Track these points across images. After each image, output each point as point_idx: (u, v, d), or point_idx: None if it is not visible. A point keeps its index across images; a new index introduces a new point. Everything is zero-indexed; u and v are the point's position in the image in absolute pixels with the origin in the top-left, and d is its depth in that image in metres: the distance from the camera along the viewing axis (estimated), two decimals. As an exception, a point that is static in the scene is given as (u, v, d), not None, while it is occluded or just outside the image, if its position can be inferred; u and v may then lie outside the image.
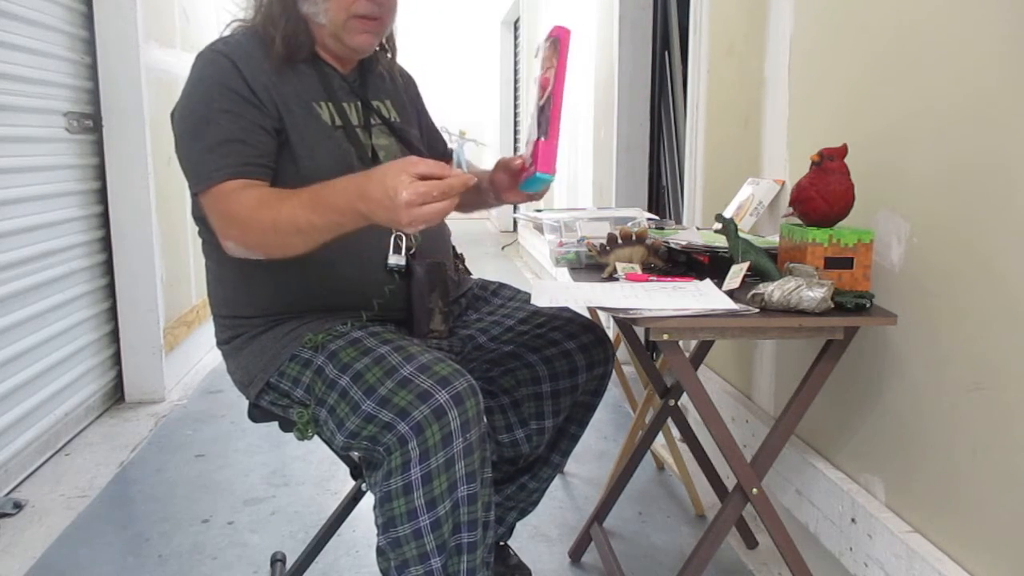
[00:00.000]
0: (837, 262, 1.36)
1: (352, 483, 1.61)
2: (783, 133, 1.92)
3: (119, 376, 3.04)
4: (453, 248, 1.60)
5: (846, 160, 1.41)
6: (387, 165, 1.12)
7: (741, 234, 1.49)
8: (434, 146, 1.62)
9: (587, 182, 4.32)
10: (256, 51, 1.33)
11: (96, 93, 2.87)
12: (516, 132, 8.62)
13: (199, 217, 1.38)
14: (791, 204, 1.45)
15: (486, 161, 1.65)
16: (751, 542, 1.95)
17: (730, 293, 1.35)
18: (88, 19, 2.83)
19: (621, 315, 1.25)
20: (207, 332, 3.74)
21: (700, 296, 1.33)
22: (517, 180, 1.31)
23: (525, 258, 6.68)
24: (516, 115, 8.70)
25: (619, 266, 1.52)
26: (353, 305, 1.38)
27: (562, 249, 1.70)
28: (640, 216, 1.94)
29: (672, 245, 1.62)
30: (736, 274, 1.40)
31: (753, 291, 1.30)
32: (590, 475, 2.40)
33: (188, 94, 1.31)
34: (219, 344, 1.46)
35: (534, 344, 1.54)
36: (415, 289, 1.41)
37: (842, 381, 1.62)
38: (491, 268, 6.23)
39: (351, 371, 1.26)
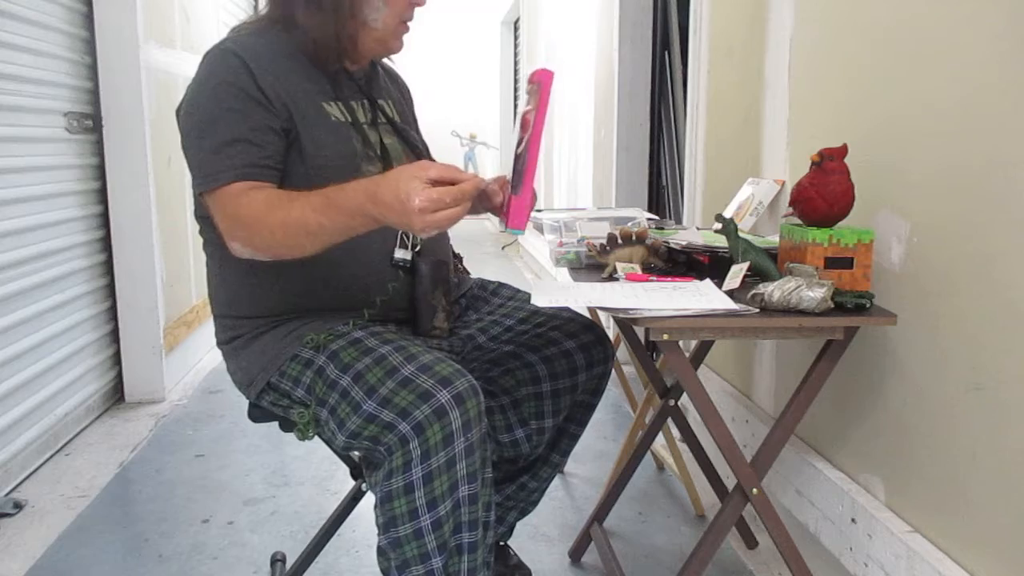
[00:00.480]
0: (837, 262, 1.36)
1: (352, 483, 1.61)
2: (783, 133, 1.92)
3: (119, 376, 3.04)
4: (451, 249, 1.61)
5: (846, 160, 1.41)
6: (399, 169, 1.13)
7: (741, 234, 1.49)
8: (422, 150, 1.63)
9: (587, 182, 4.32)
10: (267, 48, 1.32)
11: (96, 93, 2.87)
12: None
13: (202, 216, 1.38)
14: (791, 204, 1.45)
15: (489, 166, 1.66)
16: (751, 542, 1.95)
17: (730, 293, 1.35)
18: (88, 19, 2.83)
19: (621, 315, 1.25)
20: (207, 332, 3.74)
21: (700, 296, 1.33)
22: (495, 203, 1.30)
23: (525, 258, 6.68)
24: (516, 115, 8.69)
25: (619, 266, 1.52)
26: (356, 303, 1.38)
27: (562, 249, 1.70)
28: (640, 216, 1.94)
29: (672, 245, 1.62)
30: (736, 274, 1.40)
31: (753, 291, 1.30)
32: (590, 475, 2.40)
33: (196, 91, 1.30)
34: (219, 344, 1.46)
35: (533, 343, 1.54)
36: (420, 286, 1.41)
37: (842, 381, 1.62)
38: (491, 268, 6.23)
39: (352, 371, 1.25)
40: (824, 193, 1.39)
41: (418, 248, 1.42)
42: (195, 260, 3.56)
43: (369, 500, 1.64)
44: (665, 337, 1.26)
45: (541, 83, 1.21)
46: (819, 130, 1.75)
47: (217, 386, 3.26)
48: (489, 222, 9.58)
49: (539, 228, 2.05)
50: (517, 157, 1.25)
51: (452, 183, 1.10)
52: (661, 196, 3.49)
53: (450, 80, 9.81)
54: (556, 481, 2.29)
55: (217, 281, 1.44)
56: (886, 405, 1.50)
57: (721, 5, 2.35)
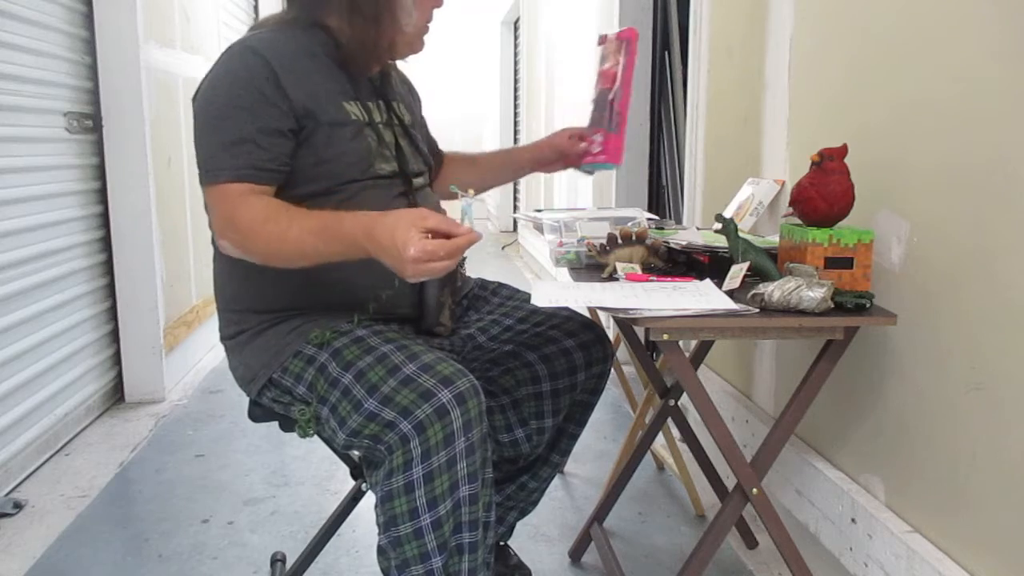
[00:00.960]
0: (837, 262, 1.36)
1: (352, 483, 1.61)
2: (783, 133, 1.92)
3: (119, 376, 3.04)
4: None
5: (846, 160, 1.41)
6: (398, 214, 1.16)
7: (741, 234, 1.49)
8: (430, 141, 1.66)
9: (587, 182, 4.32)
10: (289, 46, 1.34)
11: (96, 93, 2.87)
12: (516, 132, 8.62)
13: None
14: (791, 204, 1.45)
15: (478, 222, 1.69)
16: (751, 542, 1.95)
17: (730, 293, 1.35)
18: (88, 19, 2.83)
19: (621, 315, 1.25)
20: (207, 332, 3.74)
21: (700, 296, 1.33)
22: (575, 151, 1.57)
23: (525, 258, 6.68)
24: (516, 115, 8.70)
25: (619, 266, 1.52)
26: (361, 298, 1.39)
27: (562, 249, 1.70)
28: (640, 216, 1.94)
29: (672, 245, 1.62)
30: (736, 274, 1.40)
31: (753, 291, 1.30)
32: (590, 475, 2.40)
33: (213, 85, 1.31)
34: (223, 339, 1.46)
35: (533, 343, 1.54)
36: (429, 282, 1.42)
37: (842, 381, 1.62)
38: (491, 268, 6.23)
39: (354, 369, 1.26)
40: (824, 193, 1.39)
41: None
42: (195, 260, 3.56)
43: (369, 500, 1.63)
44: (665, 337, 1.26)
45: (630, 40, 1.41)
46: (819, 130, 1.75)
47: (217, 386, 3.27)
48: (489, 222, 9.58)
49: (539, 228, 2.05)
50: (608, 101, 1.47)
51: (447, 235, 1.14)
52: (661, 196, 3.49)
53: (450, 80, 9.81)
54: (556, 481, 2.29)
55: (225, 274, 1.44)
56: (886, 405, 1.50)
57: (721, 5, 2.35)
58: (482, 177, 1.74)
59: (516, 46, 8.69)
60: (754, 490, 1.39)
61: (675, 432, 2.11)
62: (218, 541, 2.01)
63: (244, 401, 1.46)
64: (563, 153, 1.63)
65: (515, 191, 8.49)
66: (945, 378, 1.33)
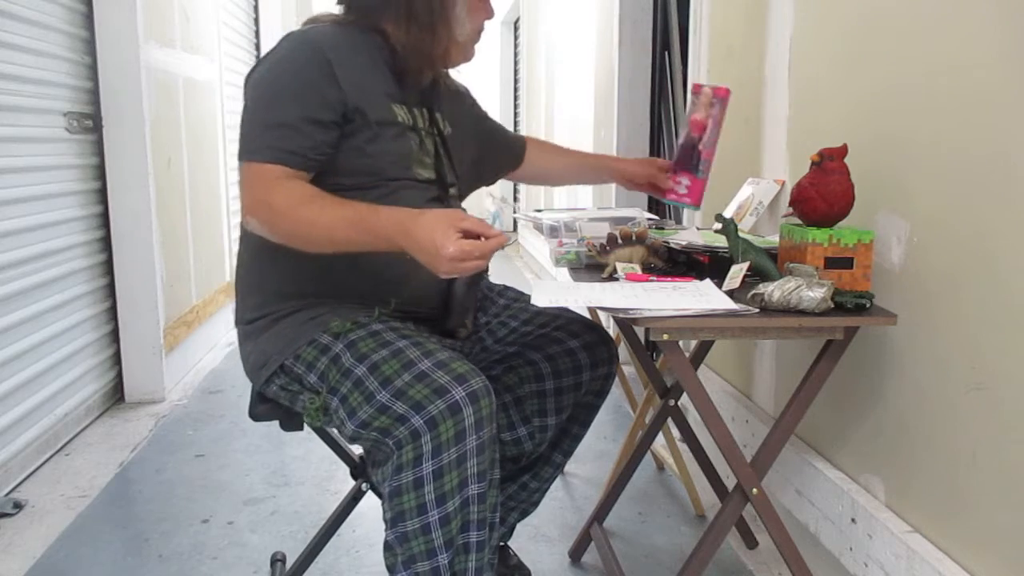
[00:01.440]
0: (837, 262, 1.36)
1: (352, 483, 1.61)
2: (783, 133, 1.92)
3: (119, 376, 3.04)
4: None
5: (846, 160, 1.41)
6: (435, 214, 1.20)
7: (741, 234, 1.49)
8: (497, 140, 1.73)
9: (587, 182, 4.32)
10: (346, 42, 1.36)
11: (96, 93, 2.87)
12: (516, 130, 8.60)
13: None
14: (791, 204, 1.45)
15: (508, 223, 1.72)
16: (751, 542, 1.95)
17: (730, 293, 1.35)
18: (88, 19, 2.83)
19: (621, 315, 1.25)
20: (207, 332, 3.74)
21: (700, 296, 1.33)
22: (664, 185, 1.73)
23: (525, 258, 6.68)
24: (516, 115, 8.70)
25: (619, 266, 1.52)
26: (386, 293, 1.40)
27: (562, 249, 1.70)
28: (640, 216, 1.94)
29: (672, 245, 1.62)
30: (736, 274, 1.40)
31: (753, 291, 1.30)
32: (590, 475, 2.40)
33: (268, 69, 1.33)
34: (241, 323, 1.45)
35: (537, 343, 1.55)
36: (459, 284, 1.45)
37: (842, 381, 1.62)
38: (491, 268, 6.21)
39: (368, 361, 1.26)
40: (824, 193, 1.39)
41: None
42: (195, 260, 3.57)
43: (369, 500, 1.64)
44: (665, 337, 1.26)
45: (723, 98, 1.61)
46: (819, 130, 1.75)
47: (217, 386, 3.27)
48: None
49: (539, 228, 2.05)
50: (697, 149, 1.68)
51: (480, 236, 1.18)
52: (661, 196, 3.48)
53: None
54: (556, 481, 2.29)
55: (254, 254, 1.43)
56: (886, 405, 1.50)
57: (721, 5, 2.35)
58: (565, 168, 1.84)
59: (516, 46, 8.69)
60: (754, 490, 1.39)
61: (675, 432, 2.11)
62: (218, 541, 2.01)
63: (244, 401, 1.46)
64: (653, 182, 1.75)
65: (515, 191, 8.49)
66: (945, 378, 1.33)
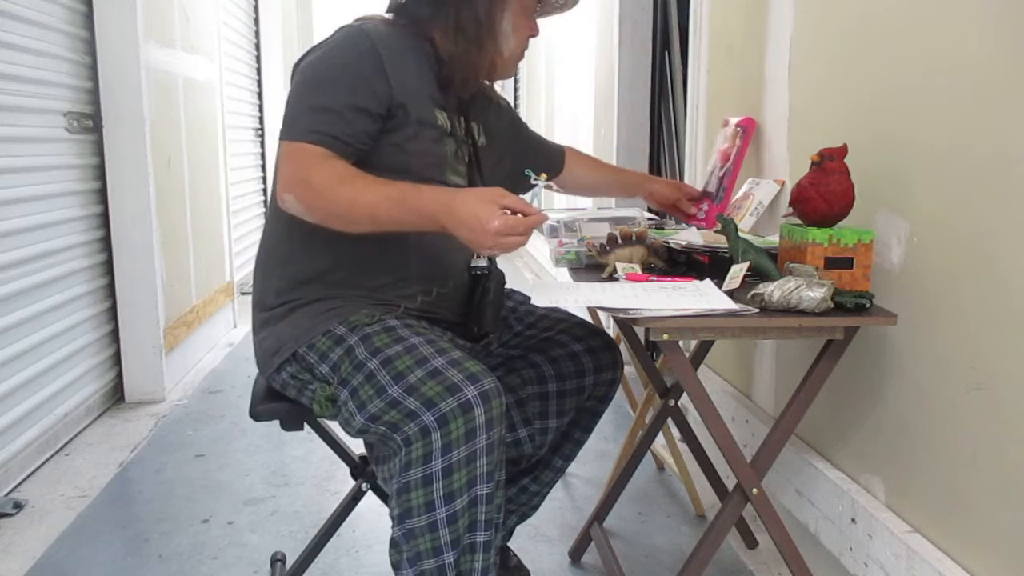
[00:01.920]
0: (837, 262, 1.36)
1: (352, 483, 1.61)
2: (783, 133, 1.92)
3: (119, 376, 3.03)
4: None
5: (846, 160, 1.41)
6: (477, 191, 1.24)
7: (741, 234, 1.49)
8: (535, 150, 1.75)
9: (587, 182, 4.31)
10: (397, 42, 1.37)
11: (96, 93, 2.86)
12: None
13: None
14: (791, 204, 1.45)
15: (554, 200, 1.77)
16: (751, 542, 1.95)
17: (730, 293, 1.35)
18: (88, 19, 2.83)
19: (621, 315, 1.25)
20: (207, 332, 3.74)
21: (700, 296, 1.33)
22: (680, 205, 1.84)
23: (525, 258, 6.68)
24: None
25: (619, 266, 1.52)
26: (414, 291, 1.41)
27: (562, 249, 1.70)
28: (640, 216, 1.94)
29: (672, 245, 1.62)
30: (736, 274, 1.40)
31: (753, 291, 1.30)
32: (590, 475, 2.40)
33: (321, 57, 1.35)
34: (260, 309, 1.45)
35: (541, 346, 1.56)
36: (494, 290, 1.46)
37: (842, 381, 1.62)
38: (491, 268, 6.21)
39: (381, 355, 1.27)
40: (824, 193, 1.39)
41: (493, 258, 1.50)
42: (195, 260, 3.57)
43: (369, 500, 1.64)
44: (665, 337, 1.26)
45: (745, 128, 1.70)
46: (819, 130, 1.75)
47: (217, 386, 3.27)
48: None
49: (539, 228, 2.05)
50: (720, 179, 1.87)
51: (517, 213, 1.21)
52: (661, 196, 3.48)
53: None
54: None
55: (281, 238, 1.43)
56: (886, 405, 1.50)
57: (721, 5, 2.35)
58: (600, 182, 1.89)
59: (516, 46, 8.67)
60: (754, 490, 1.39)
61: (675, 432, 2.11)
62: (218, 541, 2.01)
63: (244, 401, 1.46)
64: (678, 206, 1.85)
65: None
66: (945, 378, 1.33)
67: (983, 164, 1.23)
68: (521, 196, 1.25)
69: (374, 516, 2.03)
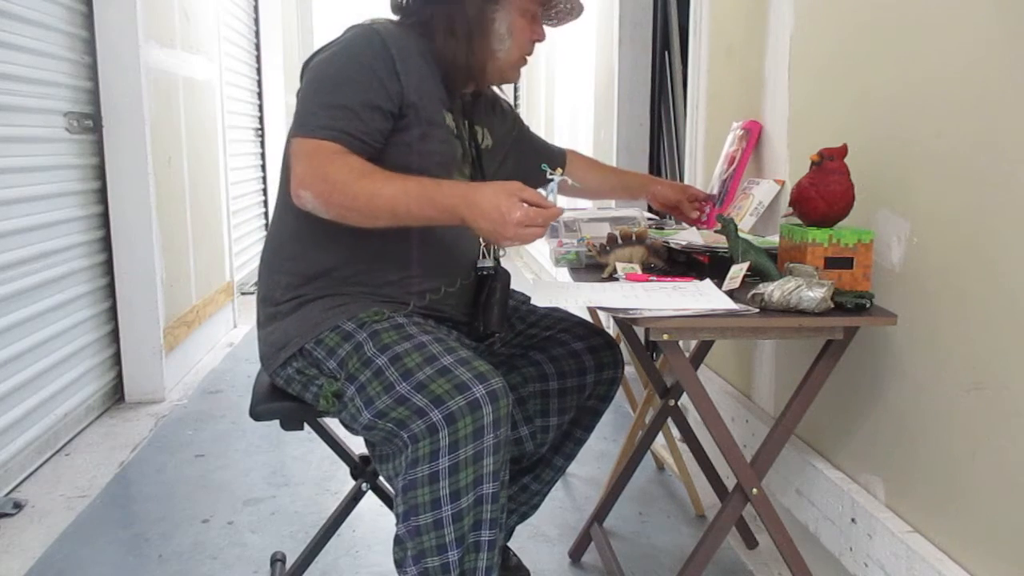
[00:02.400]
0: (837, 262, 1.36)
1: (352, 483, 1.61)
2: (783, 133, 1.92)
3: (119, 376, 3.04)
4: None
5: (846, 160, 1.41)
6: (495, 185, 1.25)
7: (741, 234, 1.49)
8: (539, 153, 1.74)
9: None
10: (407, 42, 1.38)
11: (96, 93, 2.86)
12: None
13: (287, 166, 1.38)
14: (791, 204, 1.45)
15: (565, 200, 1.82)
16: (751, 542, 1.95)
17: (730, 293, 1.35)
18: (88, 19, 2.83)
19: (621, 315, 1.25)
20: (207, 332, 3.74)
21: (700, 296, 1.33)
22: (683, 208, 1.84)
23: (525, 258, 6.68)
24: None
25: (619, 266, 1.52)
26: (421, 289, 1.41)
27: (562, 249, 1.70)
28: (640, 216, 1.94)
29: (672, 245, 1.62)
30: (736, 274, 1.40)
31: (753, 291, 1.30)
32: (590, 475, 2.40)
33: (334, 54, 1.35)
34: (267, 304, 1.45)
35: (542, 345, 1.56)
36: (500, 291, 1.47)
37: (842, 381, 1.62)
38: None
39: (390, 352, 1.27)
40: (824, 193, 1.39)
41: (503, 255, 1.51)
42: (195, 260, 3.57)
43: (369, 500, 1.64)
44: (665, 337, 1.26)
45: (750, 130, 1.67)
46: (819, 130, 1.75)
47: (217, 386, 3.27)
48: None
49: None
50: (723, 181, 1.87)
51: (539, 207, 1.23)
52: (661, 196, 3.48)
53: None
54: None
55: (291, 235, 1.43)
56: (886, 405, 1.50)
57: (721, 5, 2.35)
58: (602, 184, 1.88)
59: (516, 46, 8.67)
60: (754, 490, 1.39)
61: (675, 432, 2.11)
62: (218, 541, 2.01)
63: (244, 401, 1.46)
64: (681, 208, 1.85)
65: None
66: (945, 378, 1.33)
67: (983, 164, 1.23)
68: (537, 190, 1.27)
69: (374, 516, 2.03)
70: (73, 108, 2.73)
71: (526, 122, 1.82)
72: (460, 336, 1.46)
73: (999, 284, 1.21)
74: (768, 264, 1.41)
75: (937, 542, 1.35)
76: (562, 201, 1.40)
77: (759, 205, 1.95)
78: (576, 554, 1.93)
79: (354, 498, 1.61)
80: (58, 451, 2.57)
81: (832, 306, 1.29)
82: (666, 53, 3.37)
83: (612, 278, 1.52)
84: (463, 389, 1.19)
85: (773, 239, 1.65)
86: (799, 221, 1.45)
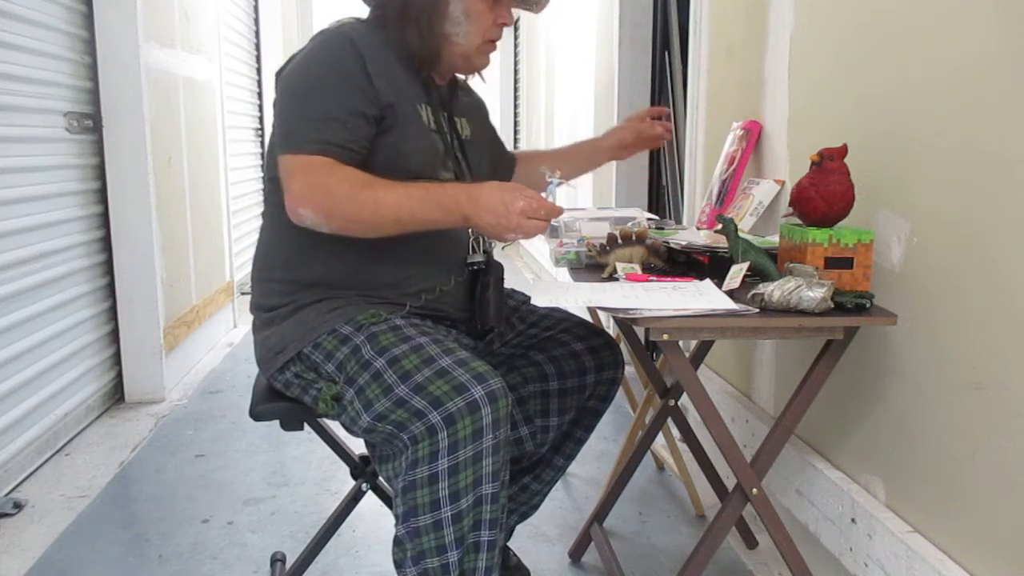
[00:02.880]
0: (837, 262, 1.36)
1: (352, 483, 1.61)
2: (783, 133, 1.92)
3: (119, 376, 3.04)
4: None
5: (846, 160, 1.41)
6: (498, 184, 1.28)
7: (741, 234, 1.49)
8: (501, 156, 1.73)
9: (587, 182, 4.32)
10: (376, 40, 1.36)
11: (96, 93, 2.87)
12: (516, 130, 8.61)
13: (273, 178, 1.38)
14: (791, 204, 1.45)
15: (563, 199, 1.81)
16: (751, 542, 1.95)
17: (730, 293, 1.35)
18: (88, 19, 2.83)
19: (621, 315, 1.25)
20: (207, 332, 3.74)
21: (700, 296, 1.33)
22: (652, 133, 1.71)
23: (525, 258, 6.68)
24: (516, 115, 8.69)
25: (619, 266, 1.52)
26: (417, 289, 1.41)
27: (562, 249, 1.70)
28: (640, 216, 1.94)
29: (672, 245, 1.62)
30: (736, 274, 1.40)
31: (753, 291, 1.30)
32: (590, 475, 2.40)
33: (306, 62, 1.34)
34: (260, 310, 1.44)
35: (542, 345, 1.56)
36: (494, 284, 1.47)
37: (842, 381, 1.62)
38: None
39: (388, 354, 1.27)
40: (824, 193, 1.39)
41: (493, 251, 1.51)
42: (195, 260, 3.57)
43: (369, 500, 1.64)
44: (665, 337, 1.26)
45: (749, 130, 1.66)
46: (819, 130, 1.75)
47: (217, 386, 3.27)
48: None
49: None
50: (723, 181, 1.86)
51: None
52: (661, 196, 3.49)
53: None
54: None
55: (278, 242, 1.43)
56: (886, 405, 1.50)
57: (721, 5, 2.35)
58: (568, 169, 1.82)
59: (516, 45, 8.68)
60: (754, 490, 1.39)
61: (675, 432, 2.11)
62: (218, 541, 2.01)
63: (244, 401, 1.46)
64: (640, 134, 1.72)
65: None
66: (945, 378, 1.33)
67: (983, 164, 1.23)
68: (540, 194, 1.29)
69: (374, 516, 2.03)
70: (73, 108, 2.73)
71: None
72: (459, 335, 1.46)
73: (999, 284, 1.21)
74: (768, 264, 1.41)
75: (937, 542, 1.36)
76: (562, 200, 1.40)
77: (759, 205, 1.95)
78: (576, 554, 1.93)
79: (354, 498, 1.61)
80: (58, 451, 2.57)
81: (832, 306, 1.29)
82: (666, 53, 3.37)
83: (612, 278, 1.52)
84: (462, 390, 1.19)
85: (773, 239, 1.65)
86: (799, 221, 1.45)
